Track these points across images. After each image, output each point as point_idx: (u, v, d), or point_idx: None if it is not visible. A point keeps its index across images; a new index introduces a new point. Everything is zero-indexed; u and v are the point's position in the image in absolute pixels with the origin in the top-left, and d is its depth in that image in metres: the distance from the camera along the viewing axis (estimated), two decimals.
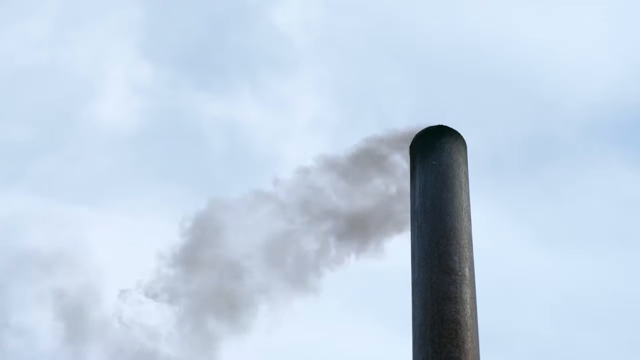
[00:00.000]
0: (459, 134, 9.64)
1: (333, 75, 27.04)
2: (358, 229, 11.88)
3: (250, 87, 27.20)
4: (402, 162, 11.14)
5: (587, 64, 27.75)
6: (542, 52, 27.04)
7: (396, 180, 11.44)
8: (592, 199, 26.47)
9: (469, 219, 9.20)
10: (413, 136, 9.91)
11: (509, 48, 27.41)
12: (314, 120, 25.58)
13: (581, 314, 24.91)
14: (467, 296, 8.62)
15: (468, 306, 8.58)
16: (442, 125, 9.66)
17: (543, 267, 25.46)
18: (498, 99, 25.41)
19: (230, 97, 27.29)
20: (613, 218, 26.18)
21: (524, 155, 26.12)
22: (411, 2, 27.17)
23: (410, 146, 9.80)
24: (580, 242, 25.95)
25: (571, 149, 26.72)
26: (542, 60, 26.98)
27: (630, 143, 27.08)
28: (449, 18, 27.32)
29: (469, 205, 9.30)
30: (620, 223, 26.03)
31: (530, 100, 26.24)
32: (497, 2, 27.77)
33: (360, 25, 27.37)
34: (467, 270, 8.79)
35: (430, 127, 9.69)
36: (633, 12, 27.44)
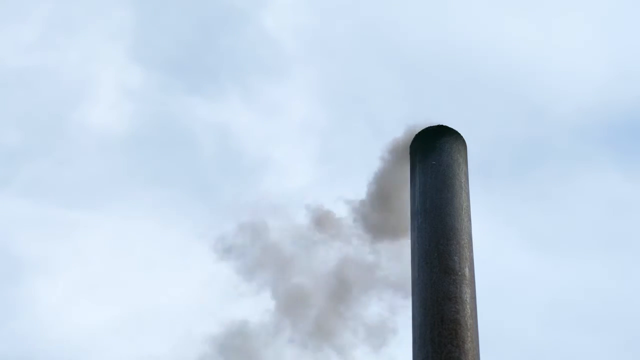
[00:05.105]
0: (458, 134, 9.59)
1: (323, 79, 27.05)
2: None
3: (241, 91, 27.19)
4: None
5: (578, 68, 27.86)
6: (533, 56, 27.12)
7: None
8: (583, 202, 26.56)
9: (469, 219, 9.18)
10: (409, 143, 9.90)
11: (500, 52, 27.48)
12: (304, 124, 25.59)
13: (571, 316, 24.97)
14: (467, 296, 8.61)
15: (468, 306, 8.57)
16: (442, 125, 9.61)
17: (533, 270, 25.52)
18: (489, 102, 25.46)
19: (220, 101, 27.26)
20: (604, 221, 26.27)
21: (514, 159, 26.19)
22: (402, 6, 27.21)
23: (410, 146, 9.76)
24: (571, 245, 26.02)
25: (562, 152, 26.80)
26: (533, 64, 27.06)
27: (621, 146, 27.19)
28: (439, 22, 27.37)
29: (469, 205, 9.28)
30: (611, 226, 26.12)
31: (521, 103, 26.32)
32: (488, 7, 27.85)
33: (350, 29, 27.39)
34: (467, 270, 8.77)
35: (430, 127, 9.65)
36: (623, 16, 27.58)
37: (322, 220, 12.42)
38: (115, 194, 25.90)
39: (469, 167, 9.60)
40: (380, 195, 11.64)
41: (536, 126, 26.69)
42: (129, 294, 24.74)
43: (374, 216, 11.82)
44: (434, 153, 9.40)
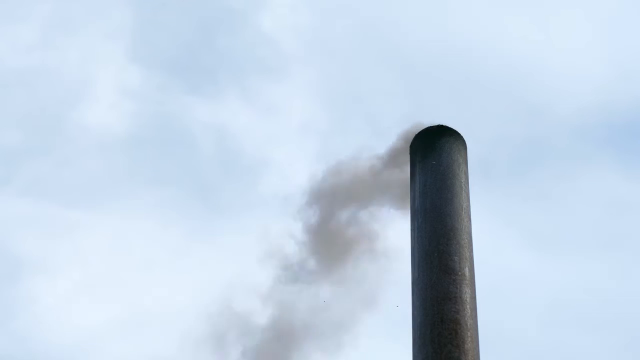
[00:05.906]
0: (459, 134, 9.61)
1: (323, 79, 27.05)
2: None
3: (240, 91, 27.20)
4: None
5: (578, 68, 27.87)
6: (533, 56, 27.14)
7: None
8: (583, 202, 26.57)
9: (469, 219, 9.20)
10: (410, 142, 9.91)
11: (500, 52, 27.49)
12: (303, 125, 25.58)
13: (571, 316, 24.98)
14: (467, 296, 8.62)
15: (468, 306, 8.58)
16: (442, 125, 9.63)
17: (533, 270, 25.53)
18: (489, 102, 25.46)
19: (219, 101, 27.28)
20: (604, 221, 26.28)
21: (514, 159, 26.20)
22: (401, 6, 27.21)
23: (410, 146, 9.78)
24: (571, 245, 26.03)
25: (562, 152, 26.81)
26: (533, 64, 27.08)
27: (621, 146, 27.22)
28: (439, 22, 27.38)
29: (469, 206, 9.29)
30: (611, 226, 26.13)
31: (521, 103, 26.33)
32: (488, 7, 27.87)
33: (350, 29, 27.40)
34: (467, 270, 8.78)
35: (430, 127, 9.67)
36: (623, 16, 27.60)
37: None
38: (115, 194, 25.94)
39: (469, 167, 9.62)
40: None
41: (536, 126, 26.70)
42: (129, 294, 24.75)
43: None
44: (434, 153, 9.42)
